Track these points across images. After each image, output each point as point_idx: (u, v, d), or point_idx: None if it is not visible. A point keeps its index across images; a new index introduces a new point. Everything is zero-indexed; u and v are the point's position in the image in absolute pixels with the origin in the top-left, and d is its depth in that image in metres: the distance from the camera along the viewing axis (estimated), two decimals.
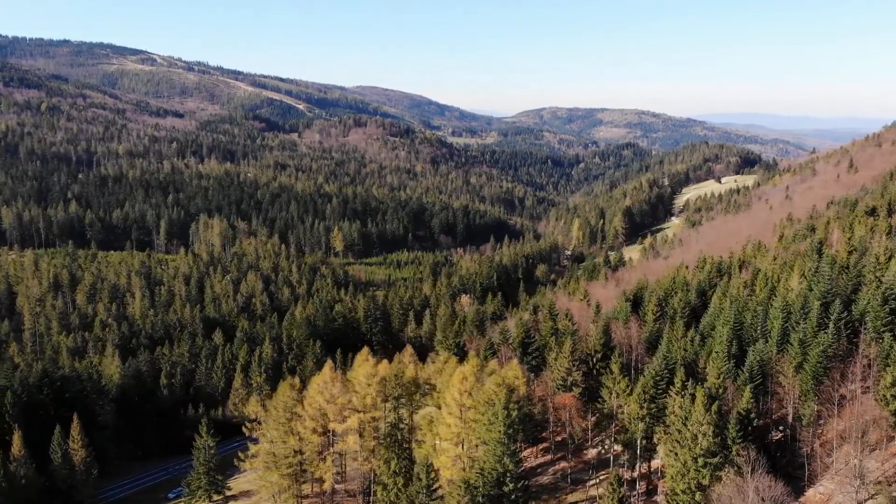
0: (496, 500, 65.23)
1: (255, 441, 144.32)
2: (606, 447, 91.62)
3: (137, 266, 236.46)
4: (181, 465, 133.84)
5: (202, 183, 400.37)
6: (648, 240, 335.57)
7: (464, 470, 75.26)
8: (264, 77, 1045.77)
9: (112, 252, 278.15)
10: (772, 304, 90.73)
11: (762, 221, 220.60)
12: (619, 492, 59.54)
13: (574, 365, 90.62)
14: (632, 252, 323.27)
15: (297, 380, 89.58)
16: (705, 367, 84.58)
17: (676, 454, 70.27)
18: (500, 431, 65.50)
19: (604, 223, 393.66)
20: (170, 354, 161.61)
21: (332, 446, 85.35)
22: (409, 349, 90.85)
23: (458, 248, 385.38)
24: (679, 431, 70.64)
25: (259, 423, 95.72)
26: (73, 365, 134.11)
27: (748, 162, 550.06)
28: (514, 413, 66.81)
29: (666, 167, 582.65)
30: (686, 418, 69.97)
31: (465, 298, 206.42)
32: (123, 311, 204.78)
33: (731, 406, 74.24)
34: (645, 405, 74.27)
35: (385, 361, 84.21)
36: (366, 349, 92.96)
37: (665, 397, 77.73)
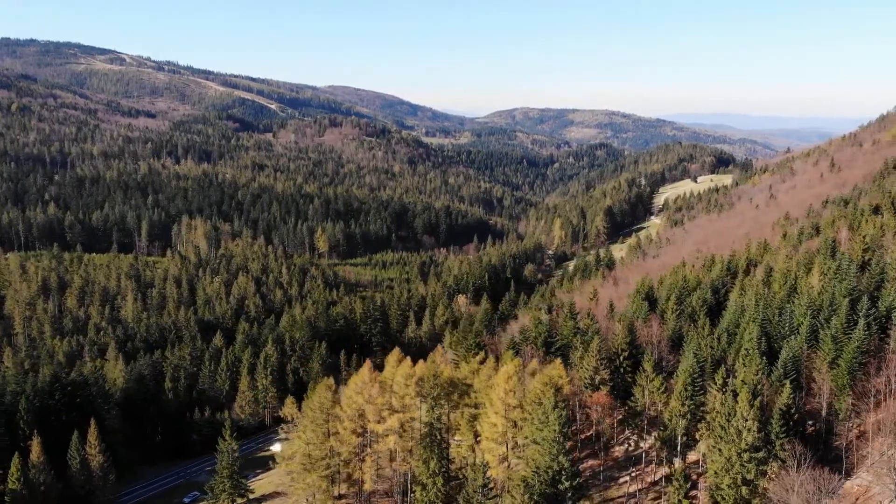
0: (551, 498, 65.97)
1: (266, 442, 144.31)
2: (633, 444, 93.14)
3: (126, 268, 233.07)
4: (191, 468, 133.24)
5: (181, 184, 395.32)
6: (633, 239, 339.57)
7: (508, 468, 76.06)
8: (235, 77, 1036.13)
9: (97, 254, 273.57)
10: (795, 302, 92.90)
11: (751, 220, 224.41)
12: (684, 488, 60.63)
13: (601, 363, 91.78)
14: (615, 251, 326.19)
15: (331, 380, 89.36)
16: (734, 364, 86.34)
17: (720, 450, 71.80)
18: (554, 430, 66.23)
19: (585, 223, 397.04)
20: (172, 358, 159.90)
21: (370, 447, 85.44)
22: (439, 350, 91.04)
23: (441, 249, 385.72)
24: (722, 427, 72.19)
25: (293, 423, 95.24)
26: (80, 370, 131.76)
27: (722, 162, 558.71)
28: (565, 412, 67.65)
29: (641, 167, 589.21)
30: (730, 414, 71.56)
31: (461, 298, 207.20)
32: (116, 314, 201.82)
33: (766, 401, 75.93)
34: (687, 402, 75.59)
35: (421, 362, 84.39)
36: (396, 350, 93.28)
37: (702, 394, 79.35)
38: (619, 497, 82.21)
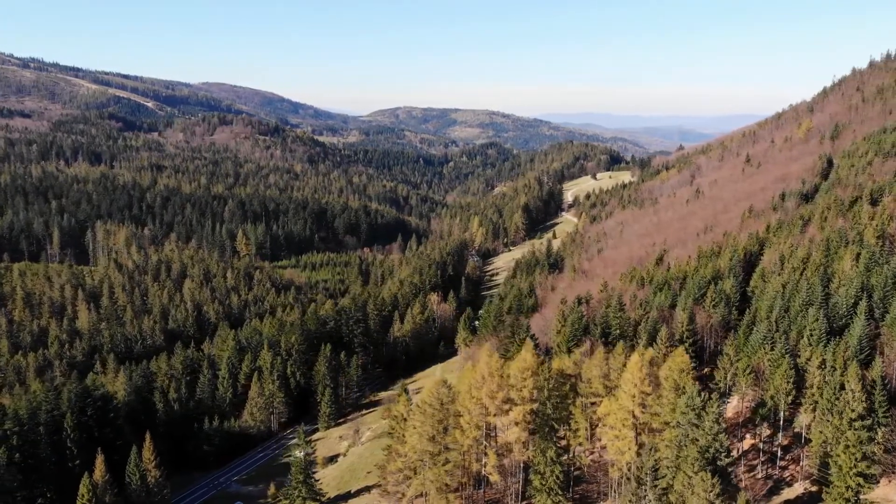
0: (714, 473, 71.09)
1: (281, 448, 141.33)
2: None
3: (66, 278, 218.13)
4: (216, 479, 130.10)
5: (82, 187, 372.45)
6: (549, 234, 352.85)
7: (638, 455, 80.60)
8: (106, 74, 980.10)
9: (30, 263, 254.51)
10: (833, 285, 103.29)
11: (689, 213, 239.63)
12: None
13: (669, 350, 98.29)
14: (538, 245, 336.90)
15: (444, 376, 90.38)
16: (797, 344, 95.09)
17: (828, 420, 79.67)
18: (710, 412, 71.41)
19: (503, 220, 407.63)
20: (164, 367, 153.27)
21: (488, 440, 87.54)
22: (528, 343, 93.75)
23: (364, 249, 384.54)
24: (829, 400, 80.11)
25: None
26: (95, 383, 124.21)
27: (615, 160, 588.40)
28: (715, 395, 73.08)
29: (539, 166, 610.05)
30: (838, 388, 79.59)
31: (433, 297, 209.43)
32: (73, 325, 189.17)
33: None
34: (790, 380, 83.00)
35: (532, 355, 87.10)
36: (487, 346, 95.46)
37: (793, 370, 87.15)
38: None
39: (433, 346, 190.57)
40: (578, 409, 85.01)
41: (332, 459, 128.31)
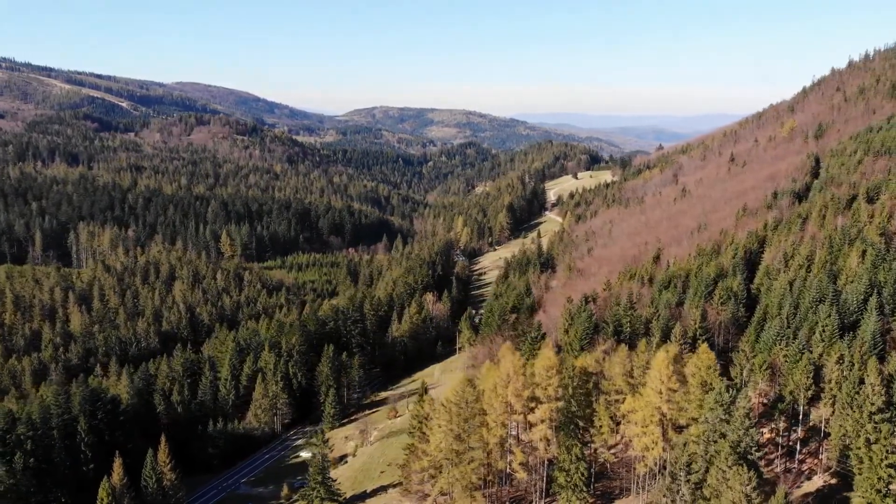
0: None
1: (286, 450, 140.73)
2: None
3: (55, 280, 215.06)
4: (224, 482, 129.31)
5: (62, 188, 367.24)
6: (534, 233, 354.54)
7: (665, 450, 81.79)
8: (79, 74, 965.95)
9: (13, 265, 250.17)
10: (841, 282, 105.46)
11: (678, 212, 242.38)
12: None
13: (683, 347, 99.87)
14: (526, 244, 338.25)
15: (469, 375, 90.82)
16: (808, 340, 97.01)
17: (847, 414, 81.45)
18: (741, 408, 72.73)
19: (487, 219, 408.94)
20: (164, 370, 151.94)
21: (512, 438, 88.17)
22: (548, 342, 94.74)
23: (348, 249, 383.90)
24: (849, 394, 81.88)
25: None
26: (102, 386, 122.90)
27: (595, 159, 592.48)
28: (744, 391, 74.43)
29: (519, 165, 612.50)
30: (857, 382, 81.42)
31: (429, 296, 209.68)
32: (66, 328, 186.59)
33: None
34: (809, 376, 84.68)
35: (553, 353, 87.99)
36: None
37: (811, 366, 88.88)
38: None
39: (431, 346, 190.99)
40: (602, 406, 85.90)
41: (341, 460, 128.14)
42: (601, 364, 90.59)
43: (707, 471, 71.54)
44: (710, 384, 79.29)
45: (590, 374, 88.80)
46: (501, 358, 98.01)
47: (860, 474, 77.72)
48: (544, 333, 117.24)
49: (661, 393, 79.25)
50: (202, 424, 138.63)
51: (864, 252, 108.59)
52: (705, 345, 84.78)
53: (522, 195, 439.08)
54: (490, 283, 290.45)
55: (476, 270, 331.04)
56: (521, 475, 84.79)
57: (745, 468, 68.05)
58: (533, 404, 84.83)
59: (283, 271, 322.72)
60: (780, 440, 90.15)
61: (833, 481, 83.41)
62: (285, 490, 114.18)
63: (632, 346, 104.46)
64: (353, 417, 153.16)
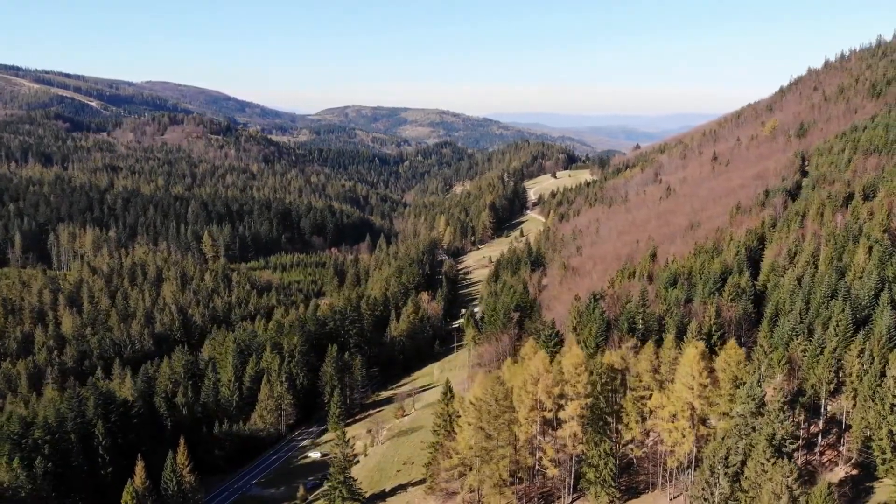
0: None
1: (293, 451, 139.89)
2: None
3: (42, 282, 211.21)
4: (235, 483, 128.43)
5: (38, 189, 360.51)
6: (517, 232, 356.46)
7: (695, 444, 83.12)
8: (47, 73, 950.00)
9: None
10: (849, 278, 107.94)
11: (666, 211, 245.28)
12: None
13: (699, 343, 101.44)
14: (507, 243, 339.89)
15: (498, 373, 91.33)
16: (822, 335, 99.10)
17: (869, 406, 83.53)
18: (774, 402, 74.29)
19: (469, 218, 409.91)
20: (166, 371, 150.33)
21: (542, 435, 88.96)
22: (572, 339, 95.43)
23: (331, 249, 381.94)
24: (870, 387, 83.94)
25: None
26: (109, 388, 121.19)
27: (573, 159, 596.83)
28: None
29: (497, 164, 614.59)
30: (878, 375, 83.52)
31: (424, 296, 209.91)
32: (58, 331, 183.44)
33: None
34: (832, 369, 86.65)
35: (581, 351, 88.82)
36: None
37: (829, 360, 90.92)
38: None
39: (429, 345, 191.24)
40: (629, 402, 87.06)
41: (352, 460, 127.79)
42: (626, 360, 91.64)
43: (744, 463, 73.08)
44: (741, 379, 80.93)
45: (616, 371, 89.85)
46: (525, 356, 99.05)
47: (883, 465, 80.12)
48: (558, 331, 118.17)
49: (692, 388, 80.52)
50: (207, 426, 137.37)
51: (870, 248, 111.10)
52: (733, 340, 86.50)
53: (504, 194, 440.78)
54: (476, 282, 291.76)
55: (461, 269, 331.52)
56: (553, 471, 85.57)
57: (786, 460, 69.70)
58: (562, 401, 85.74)
59: (267, 272, 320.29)
60: (799, 433, 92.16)
61: (854, 472, 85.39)
62: (301, 491, 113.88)
63: (644, 343, 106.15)
64: (357, 417, 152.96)
